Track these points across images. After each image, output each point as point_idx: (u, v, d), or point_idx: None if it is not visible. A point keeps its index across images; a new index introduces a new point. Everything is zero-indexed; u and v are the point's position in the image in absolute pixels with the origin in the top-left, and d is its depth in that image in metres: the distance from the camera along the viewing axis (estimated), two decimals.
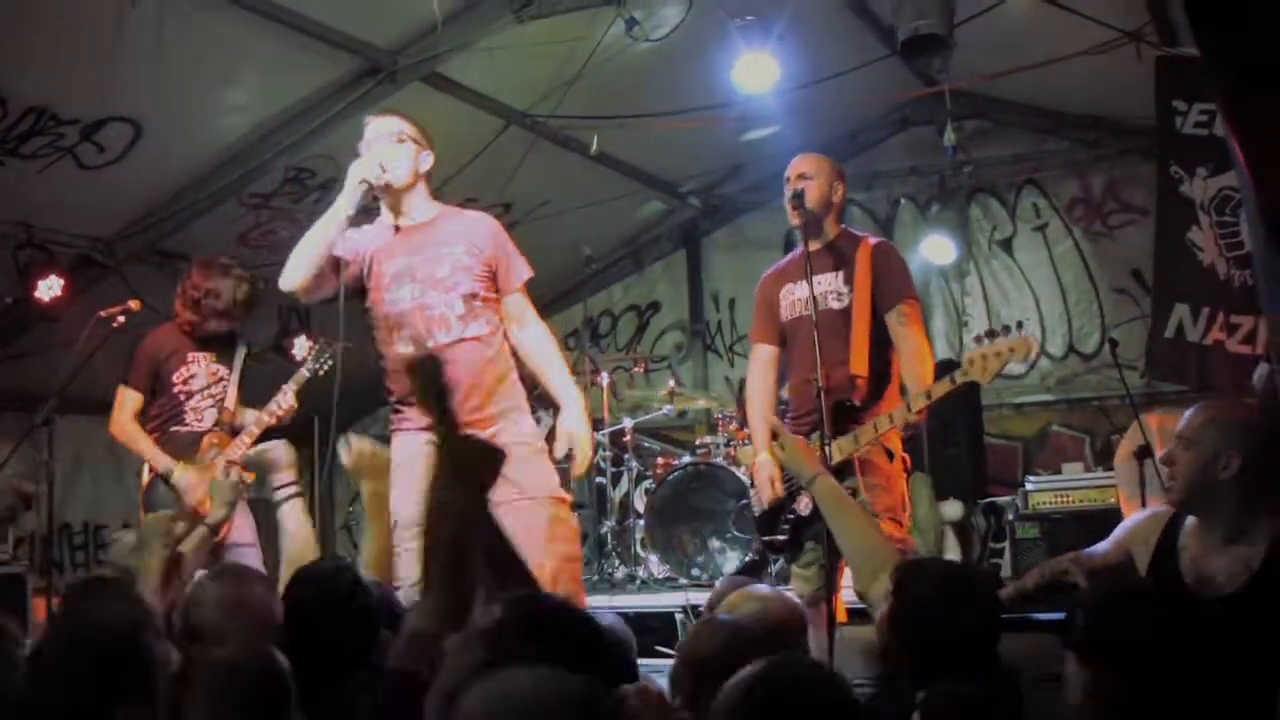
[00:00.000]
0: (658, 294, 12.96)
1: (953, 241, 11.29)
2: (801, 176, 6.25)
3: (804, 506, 5.96)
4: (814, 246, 6.11)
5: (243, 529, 7.43)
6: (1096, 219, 11.15)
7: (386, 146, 5.67)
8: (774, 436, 5.15)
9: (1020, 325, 8.46)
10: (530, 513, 5.46)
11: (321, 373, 7.59)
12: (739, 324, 12.42)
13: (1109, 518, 8.56)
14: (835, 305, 6.11)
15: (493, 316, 5.77)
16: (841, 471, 5.75)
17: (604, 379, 10.48)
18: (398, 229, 5.77)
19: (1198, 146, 8.15)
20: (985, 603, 3.67)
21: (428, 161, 5.82)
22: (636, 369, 11.63)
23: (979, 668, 3.43)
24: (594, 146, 9.48)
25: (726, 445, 9.68)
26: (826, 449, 5.62)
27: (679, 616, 8.56)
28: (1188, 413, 4.32)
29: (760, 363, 6.51)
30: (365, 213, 5.70)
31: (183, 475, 7.21)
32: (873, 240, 6.34)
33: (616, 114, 9.34)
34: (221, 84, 7.95)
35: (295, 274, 5.63)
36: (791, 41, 7.96)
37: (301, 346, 8.03)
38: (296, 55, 7.80)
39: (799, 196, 6.13)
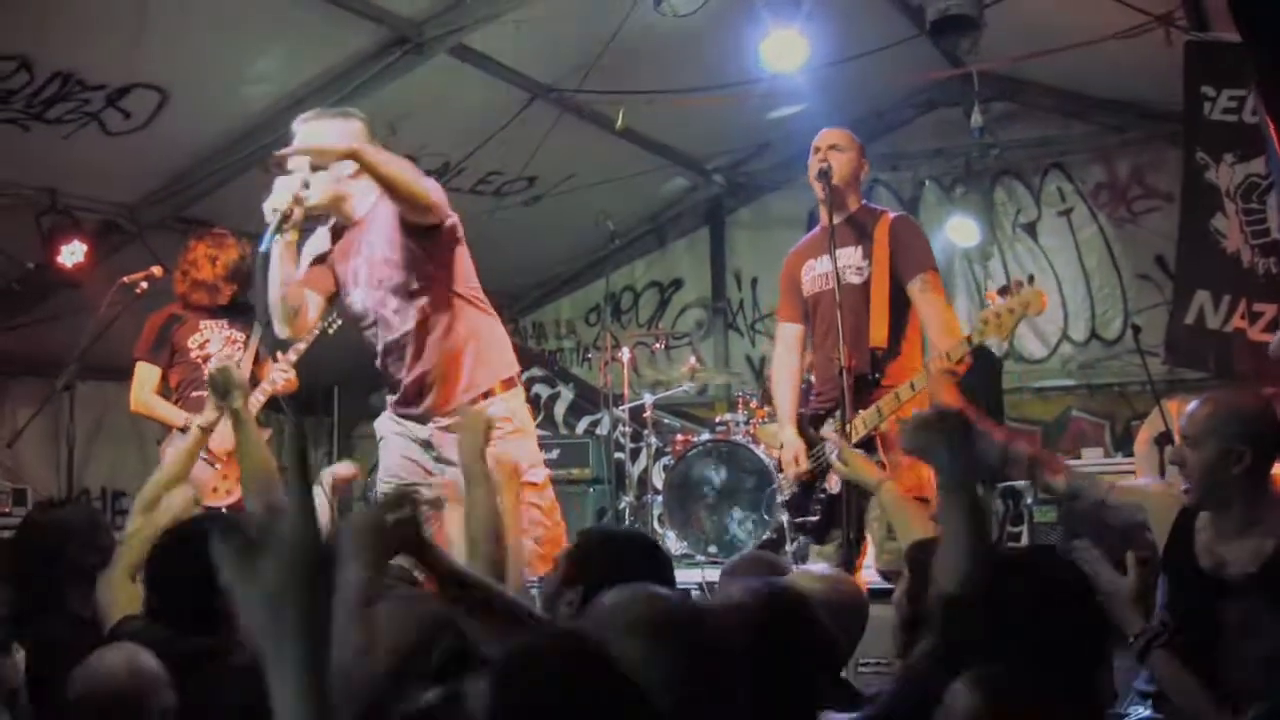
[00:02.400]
0: (680, 271, 12.95)
1: (977, 224, 11.27)
2: (833, 148, 6.25)
3: (834, 485, 6.00)
4: (835, 220, 6.14)
5: None
6: (1121, 204, 11.11)
7: (298, 172, 5.23)
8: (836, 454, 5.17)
9: (1031, 279, 8.45)
10: None
11: (330, 331, 7.62)
12: (761, 302, 12.42)
13: None
14: (854, 280, 6.13)
15: (433, 301, 5.59)
16: (867, 447, 5.77)
17: (625, 354, 10.47)
18: (341, 230, 5.73)
19: (1225, 133, 8.12)
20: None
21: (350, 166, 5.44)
22: (657, 345, 11.64)
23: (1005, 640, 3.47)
24: (619, 122, 9.45)
25: (746, 423, 9.67)
26: (847, 428, 5.70)
27: (695, 593, 8.56)
28: (1189, 409, 4.29)
29: (785, 341, 6.56)
30: None
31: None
32: (892, 214, 6.38)
33: (642, 89, 9.30)
34: (248, 53, 7.94)
35: (276, 322, 5.56)
36: (819, 19, 7.94)
37: None
38: (324, 25, 7.78)
39: (825, 174, 6.13)
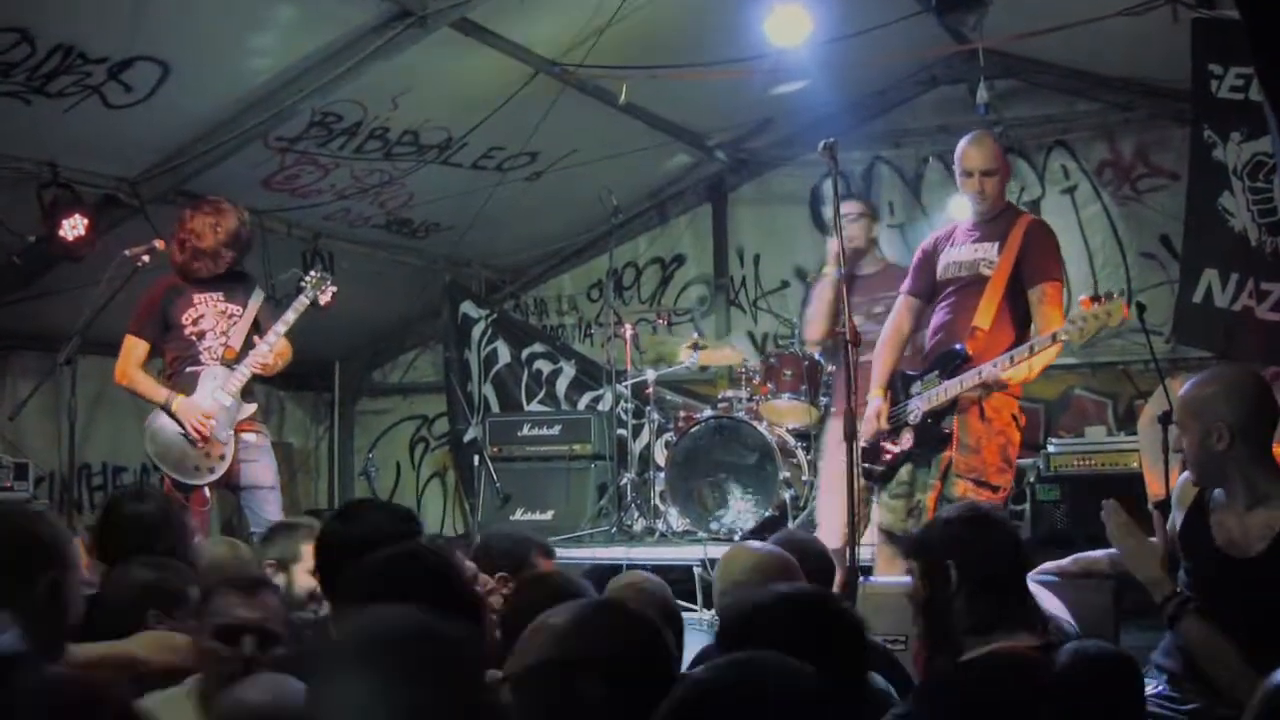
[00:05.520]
0: (682, 247, 12.89)
1: None
2: (985, 174, 6.72)
3: (905, 442, 6.63)
4: (975, 218, 6.81)
5: (263, 471, 7.49)
6: (1125, 183, 11.05)
7: None
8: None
9: (1111, 294, 8.87)
10: None
11: (323, 302, 7.63)
12: (763, 279, 12.38)
13: (1130, 481, 8.59)
14: (985, 272, 6.60)
15: None
16: (942, 415, 6.49)
17: (627, 331, 10.46)
18: None
19: (1233, 110, 8.08)
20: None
21: None
22: (659, 321, 11.62)
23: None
24: (622, 97, 9.41)
25: (749, 400, 9.65)
26: (852, 402, 6.12)
27: (697, 570, 8.58)
28: (1178, 394, 4.36)
29: (901, 310, 7.08)
30: None
31: (181, 402, 7.28)
32: (1031, 217, 6.87)
33: (645, 64, 9.26)
34: (250, 26, 7.90)
35: None
36: None
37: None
38: None
39: (982, 195, 6.72)
